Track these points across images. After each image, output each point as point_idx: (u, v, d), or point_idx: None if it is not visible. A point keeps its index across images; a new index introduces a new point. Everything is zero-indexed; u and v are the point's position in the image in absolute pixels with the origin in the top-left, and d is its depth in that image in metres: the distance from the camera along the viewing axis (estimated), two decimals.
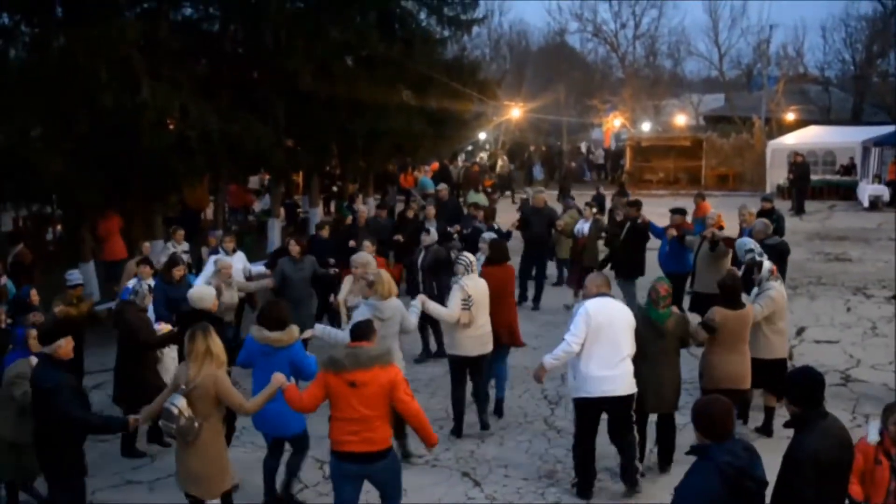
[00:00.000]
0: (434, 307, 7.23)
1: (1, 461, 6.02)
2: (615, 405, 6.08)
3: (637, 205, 11.30)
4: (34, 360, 6.04)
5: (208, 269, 9.11)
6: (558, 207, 14.53)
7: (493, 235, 9.86)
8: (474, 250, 9.71)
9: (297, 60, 14.16)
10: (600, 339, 5.95)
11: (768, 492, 3.73)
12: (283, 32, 13.89)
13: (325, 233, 11.16)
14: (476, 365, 7.44)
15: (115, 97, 10.47)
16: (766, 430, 7.33)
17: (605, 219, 13.82)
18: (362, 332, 5.12)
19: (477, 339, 7.30)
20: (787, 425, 4.10)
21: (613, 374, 5.98)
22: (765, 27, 38.94)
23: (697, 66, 45.69)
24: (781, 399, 7.39)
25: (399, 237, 11.50)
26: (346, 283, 7.76)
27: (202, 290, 6.89)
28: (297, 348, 5.92)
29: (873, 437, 4.88)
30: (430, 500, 6.28)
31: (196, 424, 4.89)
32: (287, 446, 6.23)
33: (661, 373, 6.38)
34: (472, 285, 7.29)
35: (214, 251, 10.09)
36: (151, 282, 7.93)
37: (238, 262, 9.65)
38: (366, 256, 7.84)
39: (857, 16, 39.45)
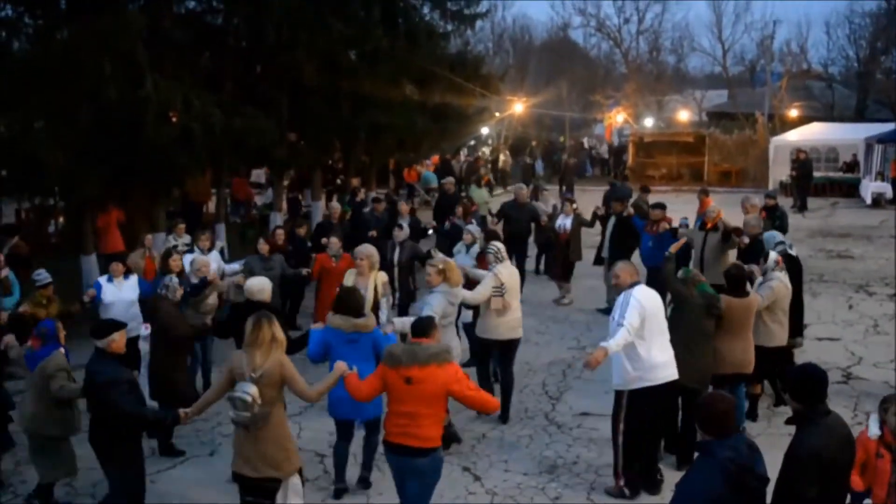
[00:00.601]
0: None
1: (40, 460, 6.02)
2: (671, 389, 6.13)
3: (622, 200, 11.68)
4: (63, 351, 6.17)
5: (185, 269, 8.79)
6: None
7: (477, 228, 9.91)
8: (454, 246, 9.72)
9: (300, 54, 14.14)
10: (655, 326, 6.01)
11: (769, 489, 3.73)
12: (285, 26, 13.87)
13: (303, 231, 11.27)
14: (506, 349, 7.59)
15: (118, 90, 10.46)
16: (752, 414, 7.61)
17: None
18: (423, 328, 5.13)
19: (508, 324, 7.46)
20: (789, 422, 4.10)
21: (669, 359, 6.08)
22: (768, 23, 39.12)
23: (701, 62, 45.90)
24: (759, 386, 7.71)
25: (373, 233, 11.49)
26: (350, 275, 7.80)
27: (261, 282, 6.93)
28: (378, 332, 6.09)
29: (874, 431, 4.90)
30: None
31: (266, 411, 4.94)
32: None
33: (713, 349, 6.62)
34: (506, 273, 7.41)
35: (191, 251, 9.92)
36: (121, 279, 8.39)
37: (213, 262, 9.43)
38: (369, 248, 7.86)
39: (861, 12, 39.63)
